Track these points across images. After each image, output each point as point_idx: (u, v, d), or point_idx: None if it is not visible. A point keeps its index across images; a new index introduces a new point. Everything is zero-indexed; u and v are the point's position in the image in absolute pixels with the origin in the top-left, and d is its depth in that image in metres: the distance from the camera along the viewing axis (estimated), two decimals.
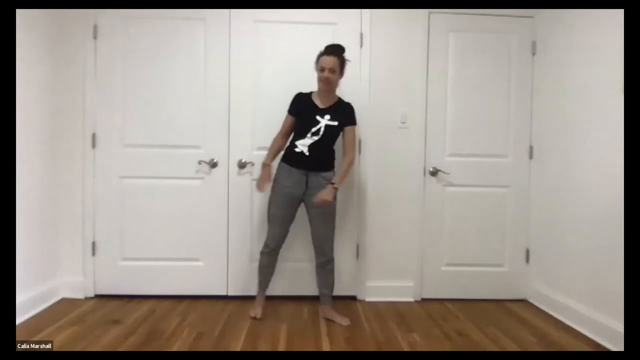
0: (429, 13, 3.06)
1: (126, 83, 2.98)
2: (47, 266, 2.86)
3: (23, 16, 2.50)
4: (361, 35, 3.04)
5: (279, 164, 2.69)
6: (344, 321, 2.63)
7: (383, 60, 3.06)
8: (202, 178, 3.03)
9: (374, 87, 3.06)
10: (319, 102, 2.63)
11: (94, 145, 2.99)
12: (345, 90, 3.03)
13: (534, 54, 3.11)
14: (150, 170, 3.01)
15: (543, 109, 3.03)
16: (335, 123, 2.60)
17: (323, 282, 2.73)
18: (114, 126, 2.99)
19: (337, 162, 2.73)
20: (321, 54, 2.58)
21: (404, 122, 3.08)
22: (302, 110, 2.62)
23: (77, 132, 2.96)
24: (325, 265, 2.71)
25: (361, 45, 3.04)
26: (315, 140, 2.57)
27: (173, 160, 3.01)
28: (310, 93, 2.69)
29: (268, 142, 2.75)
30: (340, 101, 2.68)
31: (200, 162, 3.01)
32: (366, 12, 3.03)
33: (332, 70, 2.53)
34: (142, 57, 2.98)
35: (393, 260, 3.12)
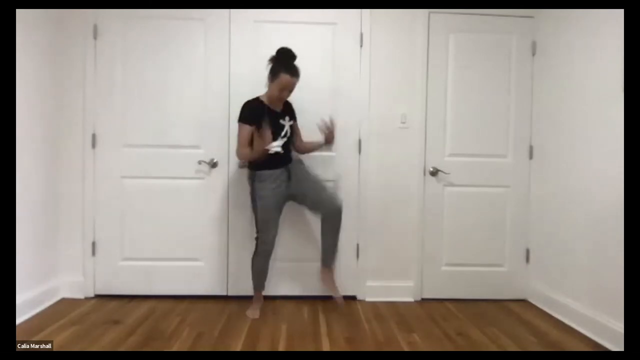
0: (429, 13, 3.06)
1: (126, 83, 2.98)
2: (47, 266, 2.86)
3: (23, 16, 2.50)
4: (361, 35, 3.04)
5: (257, 173, 2.62)
6: (338, 295, 2.78)
7: (383, 60, 3.06)
8: (202, 178, 3.03)
9: (374, 87, 3.05)
10: (274, 107, 2.67)
11: (94, 145, 2.99)
12: (346, 90, 3.04)
13: (534, 54, 3.11)
14: (150, 170, 3.01)
15: (543, 109, 3.03)
16: (292, 122, 2.75)
17: (330, 238, 2.75)
18: (114, 126, 2.99)
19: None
20: (284, 71, 2.53)
21: (404, 122, 3.08)
22: (263, 119, 2.57)
23: (77, 132, 2.97)
24: (334, 216, 2.72)
25: (361, 45, 3.04)
26: (285, 140, 2.67)
27: (173, 160, 3.01)
28: (257, 99, 2.66)
29: None
30: (286, 101, 2.75)
31: (200, 162, 3.01)
32: (366, 12, 3.03)
33: (292, 91, 2.63)
34: (142, 57, 2.98)
35: (393, 260, 3.12)
